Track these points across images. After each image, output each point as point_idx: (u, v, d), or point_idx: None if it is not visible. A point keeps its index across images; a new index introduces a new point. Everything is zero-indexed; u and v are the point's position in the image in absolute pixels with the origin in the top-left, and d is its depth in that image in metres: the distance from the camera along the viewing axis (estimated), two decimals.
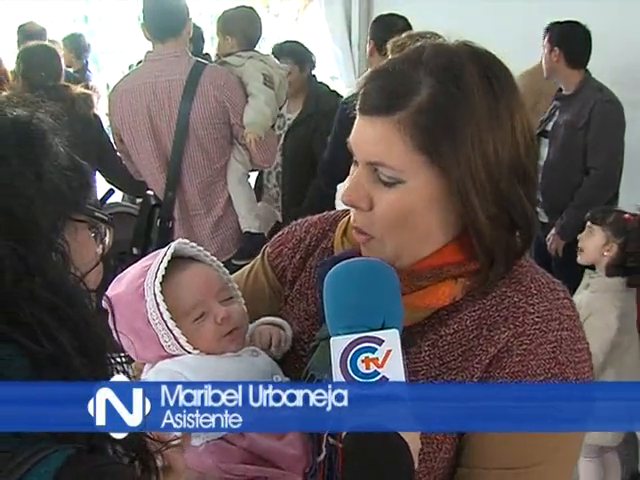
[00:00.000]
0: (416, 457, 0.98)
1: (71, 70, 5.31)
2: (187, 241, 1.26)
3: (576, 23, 4.03)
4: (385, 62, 1.13)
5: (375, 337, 0.99)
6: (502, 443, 1.08)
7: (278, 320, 1.27)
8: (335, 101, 4.42)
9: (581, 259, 3.12)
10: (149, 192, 3.51)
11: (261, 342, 1.24)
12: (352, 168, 1.14)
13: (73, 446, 0.79)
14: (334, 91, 4.71)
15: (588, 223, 3.12)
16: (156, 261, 1.20)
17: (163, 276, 1.18)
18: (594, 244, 3.02)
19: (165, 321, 1.17)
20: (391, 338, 0.99)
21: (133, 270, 1.22)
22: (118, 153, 3.68)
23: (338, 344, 1.00)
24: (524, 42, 4.29)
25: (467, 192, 1.06)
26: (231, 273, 1.36)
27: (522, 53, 4.00)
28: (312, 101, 4.38)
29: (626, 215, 3.05)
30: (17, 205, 0.85)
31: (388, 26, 3.73)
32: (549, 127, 4.10)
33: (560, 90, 4.16)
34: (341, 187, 3.96)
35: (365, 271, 1.06)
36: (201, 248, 1.27)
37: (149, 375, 1.18)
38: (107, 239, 0.98)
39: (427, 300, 1.12)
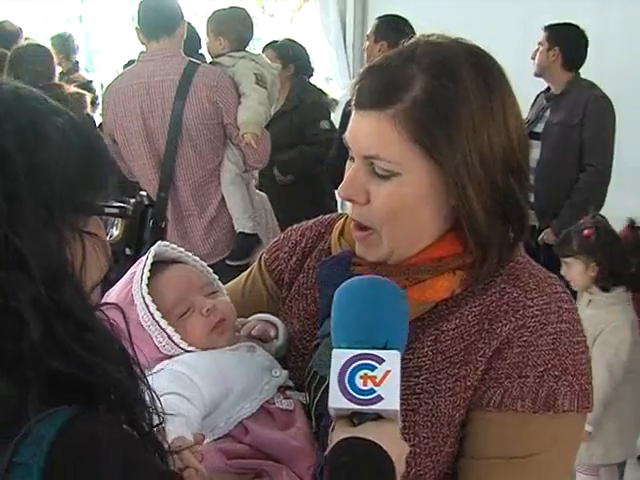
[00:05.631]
0: (400, 478, 0.97)
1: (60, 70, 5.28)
2: (168, 243, 1.27)
3: (576, 26, 4.02)
4: (379, 58, 1.14)
5: (376, 355, 0.99)
6: (501, 432, 1.09)
7: (272, 317, 1.28)
8: (318, 95, 4.50)
9: (576, 287, 3.08)
10: (142, 192, 3.50)
11: (251, 331, 1.24)
12: (348, 164, 1.15)
13: (77, 407, 0.77)
14: (320, 89, 4.75)
15: (561, 258, 3.09)
16: (140, 267, 1.21)
17: (148, 278, 1.19)
18: (577, 272, 3.00)
19: (157, 321, 1.17)
20: (392, 359, 0.99)
21: (121, 282, 1.23)
22: (111, 153, 3.67)
23: (339, 356, 1.00)
24: (520, 42, 4.29)
25: (463, 184, 1.07)
26: (225, 274, 1.36)
27: (519, 53, 4.01)
28: (294, 95, 4.43)
29: (585, 232, 2.99)
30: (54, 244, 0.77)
31: (398, 27, 3.79)
32: (538, 128, 4.06)
33: (548, 90, 4.14)
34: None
35: (375, 289, 1.05)
36: (182, 249, 1.28)
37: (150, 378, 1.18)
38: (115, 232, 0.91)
39: (427, 294, 1.14)
